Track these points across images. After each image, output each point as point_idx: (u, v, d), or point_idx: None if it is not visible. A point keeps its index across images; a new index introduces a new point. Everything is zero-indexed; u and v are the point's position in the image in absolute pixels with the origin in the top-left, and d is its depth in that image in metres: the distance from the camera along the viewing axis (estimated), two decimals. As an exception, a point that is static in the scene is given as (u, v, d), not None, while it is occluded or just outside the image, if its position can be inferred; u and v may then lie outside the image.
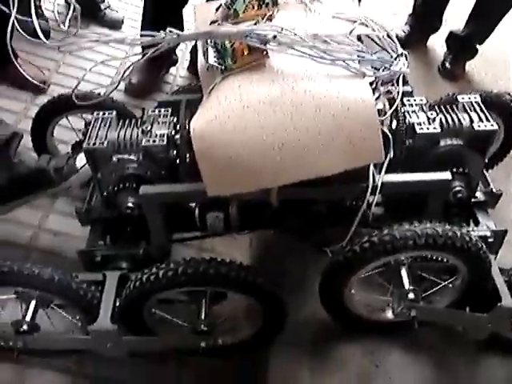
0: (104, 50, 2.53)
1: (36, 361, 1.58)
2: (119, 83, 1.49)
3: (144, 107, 1.71)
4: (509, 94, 2.50)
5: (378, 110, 1.21)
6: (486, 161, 1.91)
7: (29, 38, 1.30)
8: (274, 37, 1.21)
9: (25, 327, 1.39)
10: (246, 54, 1.25)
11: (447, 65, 2.81)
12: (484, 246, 1.37)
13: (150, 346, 1.52)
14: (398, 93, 1.27)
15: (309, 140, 1.18)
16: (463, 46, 2.76)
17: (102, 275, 1.46)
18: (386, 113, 1.26)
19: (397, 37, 2.94)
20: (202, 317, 1.44)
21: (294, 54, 1.23)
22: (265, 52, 1.23)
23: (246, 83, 1.23)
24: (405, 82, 1.79)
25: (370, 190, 1.33)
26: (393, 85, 1.29)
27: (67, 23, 1.33)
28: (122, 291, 1.41)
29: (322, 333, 1.66)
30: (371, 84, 1.24)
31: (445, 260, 1.41)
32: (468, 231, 1.38)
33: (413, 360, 1.63)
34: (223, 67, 1.26)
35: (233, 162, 1.19)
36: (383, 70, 1.26)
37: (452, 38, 2.80)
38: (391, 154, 1.43)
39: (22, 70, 2.31)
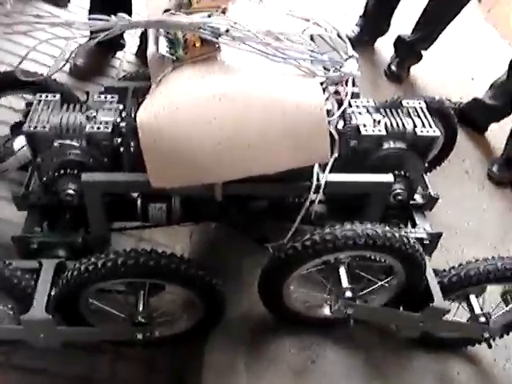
0: (48, 28, 2.44)
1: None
2: (64, 65, 1.44)
3: (88, 91, 1.67)
4: (449, 101, 2.60)
5: (327, 110, 1.22)
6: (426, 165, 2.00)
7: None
8: (227, 30, 1.20)
9: None
10: (198, 45, 1.23)
11: (393, 68, 2.88)
12: (421, 248, 1.41)
13: (86, 336, 1.49)
14: (347, 94, 1.28)
15: (256, 137, 1.17)
16: (409, 50, 2.84)
17: (37, 263, 1.41)
18: (333, 113, 1.26)
19: (347, 38, 3.04)
20: (140, 308, 1.42)
21: (246, 50, 1.22)
22: (217, 45, 1.22)
23: (197, 76, 1.21)
24: (353, 84, 1.84)
25: (313, 188, 1.34)
26: (342, 85, 1.30)
27: (11, -1, 1.27)
28: (58, 280, 1.37)
29: (259, 326, 1.67)
30: (321, 84, 1.25)
31: (382, 260, 1.44)
32: (406, 233, 1.41)
33: (348, 356, 1.65)
34: (174, 58, 1.24)
35: (178, 155, 1.17)
36: (334, 71, 1.26)
37: (399, 42, 2.87)
38: (336, 154, 1.46)
39: None
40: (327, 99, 1.25)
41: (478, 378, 1.67)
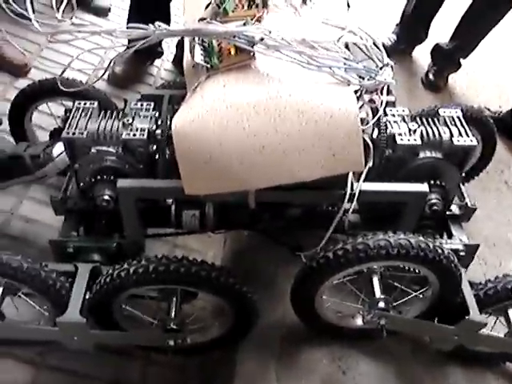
0: (88, 38, 2.50)
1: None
2: (103, 74, 1.47)
3: (126, 98, 1.69)
4: (488, 110, 2.56)
5: (361, 118, 1.21)
6: (463, 175, 1.97)
7: (17, 18, 1.28)
8: (262, 39, 1.20)
9: None
10: (232, 54, 1.24)
11: (430, 76, 2.85)
12: (455, 260, 1.38)
13: (118, 341, 1.51)
14: (382, 103, 1.27)
15: (289, 144, 1.17)
16: (447, 59, 2.80)
17: (73, 266, 1.44)
18: (368, 122, 1.25)
19: (383, 46, 3.03)
20: (172, 315, 1.43)
21: (280, 58, 1.22)
22: (252, 53, 1.23)
23: (231, 83, 1.22)
24: (388, 92, 1.82)
25: (347, 197, 1.33)
26: (376, 94, 1.29)
27: (60, 10, 1.30)
28: (92, 284, 1.39)
29: (291, 335, 1.66)
30: (355, 92, 1.24)
31: (417, 271, 1.42)
32: (441, 244, 1.39)
33: (380, 368, 1.63)
34: (209, 66, 1.25)
35: (212, 162, 1.18)
36: (368, 80, 1.26)
37: (437, 50, 2.84)
38: (371, 163, 1.45)
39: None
40: (361, 107, 1.24)
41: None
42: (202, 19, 1.29)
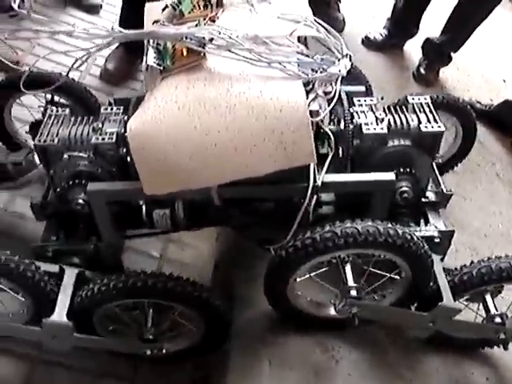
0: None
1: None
2: (69, 71, 1.49)
3: (110, 100, 1.72)
4: (479, 103, 2.56)
5: (313, 111, 1.23)
6: (443, 163, 1.96)
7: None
8: (211, 39, 1.23)
9: None
10: (184, 55, 1.27)
11: (421, 70, 2.86)
12: (425, 245, 1.38)
13: (98, 346, 1.54)
14: (335, 94, 1.28)
15: (241, 141, 1.20)
16: (438, 52, 2.82)
17: (58, 268, 1.47)
18: (320, 114, 1.27)
19: (374, 39, 3.04)
20: (149, 325, 1.49)
21: (231, 57, 1.25)
22: (202, 54, 1.25)
23: (183, 84, 1.25)
24: (362, 82, 1.83)
25: (310, 189, 1.34)
26: (331, 85, 1.30)
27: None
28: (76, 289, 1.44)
29: (283, 326, 1.67)
30: (307, 85, 1.26)
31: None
32: (412, 231, 1.39)
33: (372, 357, 1.64)
34: (162, 68, 1.28)
35: (167, 162, 1.21)
36: (321, 72, 1.27)
37: (428, 44, 2.84)
38: (337, 153, 1.47)
39: None
40: (314, 100, 1.25)
41: (493, 381, 1.62)
42: (156, 21, 1.32)
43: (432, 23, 2.90)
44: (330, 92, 1.33)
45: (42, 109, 1.63)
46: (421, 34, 2.95)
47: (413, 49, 3.03)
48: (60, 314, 1.39)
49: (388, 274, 1.46)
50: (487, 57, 3.12)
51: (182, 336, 1.61)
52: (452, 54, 2.81)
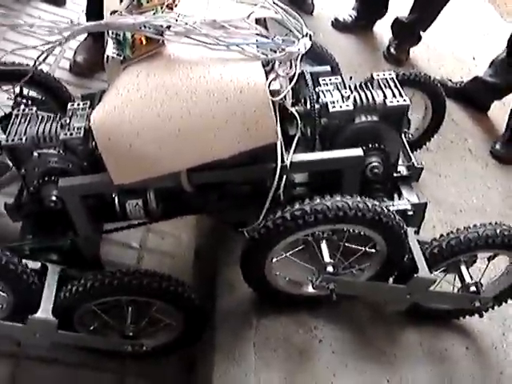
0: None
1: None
2: (35, 63, 1.48)
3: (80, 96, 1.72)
4: (450, 81, 2.59)
5: (274, 90, 1.24)
6: (415, 139, 1.98)
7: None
8: (169, 27, 1.24)
9: None
10: (143, 43, 1.27)
11: (392, 50, 2.88)
12: (397, 217, 1.40)
13: (80, 343, 1.56)
14: (295, 73, 1.29)
15: (204, 125, 1.21)
16: (407, 32, 2.84)
17: (40, 265, 1.47)
18: (280, 93, 1.27)
19: (344, 21, 3.04)
20: (128, 322, 1.52)
21: (189, 43, 1.25)
22: (161, 41, 1.26)
23: (144, 72, 1.26)
24: (329, 62, 1.84)
25: (278, 169, 1.35)
26: (291, 65, 1.31)
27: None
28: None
29: (267, 308, 1.68)
30: (267, 65, 1.27)
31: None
32: (383, 204, 1.41)
33: (354, 335, 1.66)
34: (122, 58, 1.29)
35: (133, 150, 1.22)
36: (279, 52, 1.28)
37: (397, 24, 2.87)
38: (305, 133, 1.48)
39: None
40: (275, 80, 1.26)
41: (473, 350, 1.65)
42: (114, 12, 1.32)
43: (400, 3, 2.92)
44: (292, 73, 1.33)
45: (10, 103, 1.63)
46: (389, 14, 2.97)
47: (382, 29, 3.05)
48: (45, 311, 1.40)
49: (362, 248, 1.47)
50: (456, 34, 3.16)
51: (161, 331, 1.63)
52: (421, 33, 2.83)
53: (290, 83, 1.31)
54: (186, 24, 1.22)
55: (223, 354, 1.61)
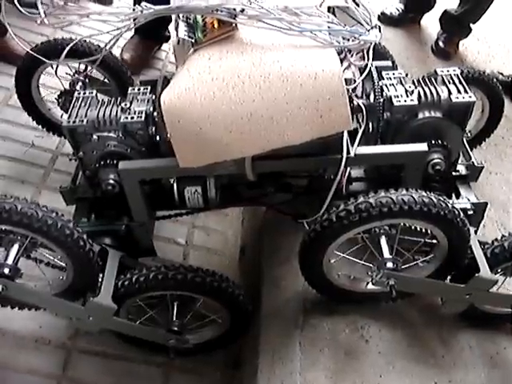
0: (95, 25, 2.39)
1: (30, 336, 1.66)
2: (106, 46, 1.51)
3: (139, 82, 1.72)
4: (501, 74, 2.52)
5: (347, 79, 1.22)
6: (471, 138, 1.95)
7: (22, 10, 1.34)
8: (242, 10, 1.23)
9: (6, 270, 1.35)
10: (215, 27, 1.26)
11: (440, 44, 2.81)
12: (461, 214, 1.37)
13: (128, 331, 1.55)
14: (368, 62, 1.27)
15: (276, 110, 1.19)
16: (457, 24, 2.76)
17: (100, 248, 1.48)
18: (354, 82, 1.26)
19: (391, 15, 2.98)
20: (174, 317, 1.53)
21: (262, 27, 1.24)
22: (234, 25, 1.25)
23: (216, 56, 1.25)
24: (387, 57, 1.82)
25: (343, 161, 1.33)
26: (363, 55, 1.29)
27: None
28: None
29: (312, 307, 1.67)
30: (340, 54, 1.25)
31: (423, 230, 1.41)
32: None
33: (402, 335, 1.62)
34: (193, 40, 1.28)
35: (203, 133, 1.21)
36: (352, 41, 1.26)
37: (446, 16, 2.79)
38: (367, 127, 1.46)
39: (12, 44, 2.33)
40: (347, 68, 1.24)
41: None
42: (183, -5, 1.32)
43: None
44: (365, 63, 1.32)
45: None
46: (438, 6, 2.90)
47: (430, 22, 2.99)
48: (105, 297, 1.40)
49: (422, 240, 1.45)
50: (507, 26, 3.04)
51: (206, 327, 1.64)
52: (471, 25, 2.75)
53: (361, 74, 1.29)
54: (262, 8, 1.21)
55: (268, 353, 1.60)
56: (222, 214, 1.80)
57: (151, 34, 2.56)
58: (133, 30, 1.68)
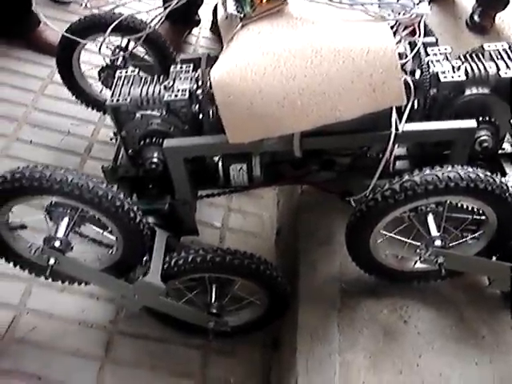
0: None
1: (74, 320, 1.70)
2: (152, 21, 1.54)
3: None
4: None
5: (399, 53, 1.20)
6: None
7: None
8: (293, -17, 1.20)
9: (57, 243, 1.35)
10: (264, 1, 1.24)
11: (476, 18, 2.73)
12: (509, 188, 1.34)
13: (170, 311, 1.55)
14: (420, 36, 1.25)
15: (329, 84, 1.17)
16: None
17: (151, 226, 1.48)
18: (406, 56, 1.24)
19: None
20: (213, 300, 1.54)
21: (312, 0, 1.22)
22: (283, -1, 1.23)
23: (265, 30, 1.23)
24: (429, 34, 1.78)
25: (392, 137, 1.31)
26: (413, 29, 1.27)
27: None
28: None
29: (350, 288, 1.66)
30: (391, 28, 1.23)
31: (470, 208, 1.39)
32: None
33: (441, 316, 1.61)
34: (242, 15, 1.26)
35: (253, 108, 1.19)
36: (404, 14, 1.24)
37: None
38: (414, 103, 1.43)
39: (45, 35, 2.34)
40: (398, 42, 1.22)
41: None
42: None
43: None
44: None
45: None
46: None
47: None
48: (155, 276, 1.40)
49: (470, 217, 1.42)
50: None
51: (245, 309, 1.64)
52: None
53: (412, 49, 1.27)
54: (312, -19, 1.19)
55: (307, 334, 1.60)
56: (257, 197, 1.79)
57: (181, 18, 2.55)
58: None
